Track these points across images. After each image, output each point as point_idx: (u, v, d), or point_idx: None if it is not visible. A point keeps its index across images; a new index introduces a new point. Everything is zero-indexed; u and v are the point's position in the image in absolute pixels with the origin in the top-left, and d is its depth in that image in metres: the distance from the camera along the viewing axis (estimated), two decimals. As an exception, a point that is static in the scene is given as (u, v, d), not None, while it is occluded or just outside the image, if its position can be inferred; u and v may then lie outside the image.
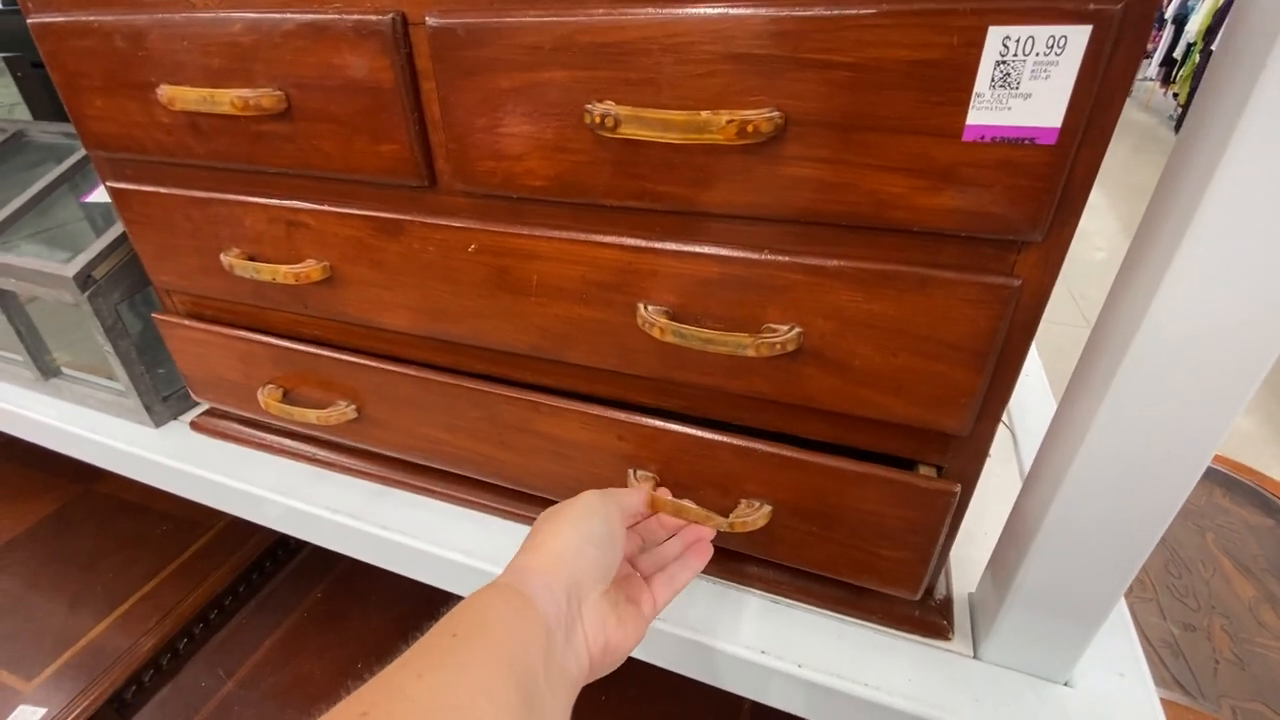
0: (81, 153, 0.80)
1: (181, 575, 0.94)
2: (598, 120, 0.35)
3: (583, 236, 0.42)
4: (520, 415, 0.50)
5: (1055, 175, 0.30)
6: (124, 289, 0.67)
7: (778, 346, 0.38)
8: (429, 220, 0.46)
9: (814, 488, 0.43)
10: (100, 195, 0.76)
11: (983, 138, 0.31)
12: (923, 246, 0.35)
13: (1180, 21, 4.66)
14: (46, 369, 0.78)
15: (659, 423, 0.46)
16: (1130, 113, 5.45)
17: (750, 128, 0.32)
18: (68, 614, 0.89)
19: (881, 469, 0.41)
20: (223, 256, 0.53)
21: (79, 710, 0.78)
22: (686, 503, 0.45)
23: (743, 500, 0.46)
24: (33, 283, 0.67)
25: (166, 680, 0.83)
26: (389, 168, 0.44)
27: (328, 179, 0.48)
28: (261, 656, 0.85)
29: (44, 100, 1.07)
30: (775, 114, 0.32)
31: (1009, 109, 0.30)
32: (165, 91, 0.46)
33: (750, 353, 0.38)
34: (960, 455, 0.41)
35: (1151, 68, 5.26)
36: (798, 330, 0.38)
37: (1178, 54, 4.65)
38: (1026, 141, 0.30)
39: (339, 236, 0.49)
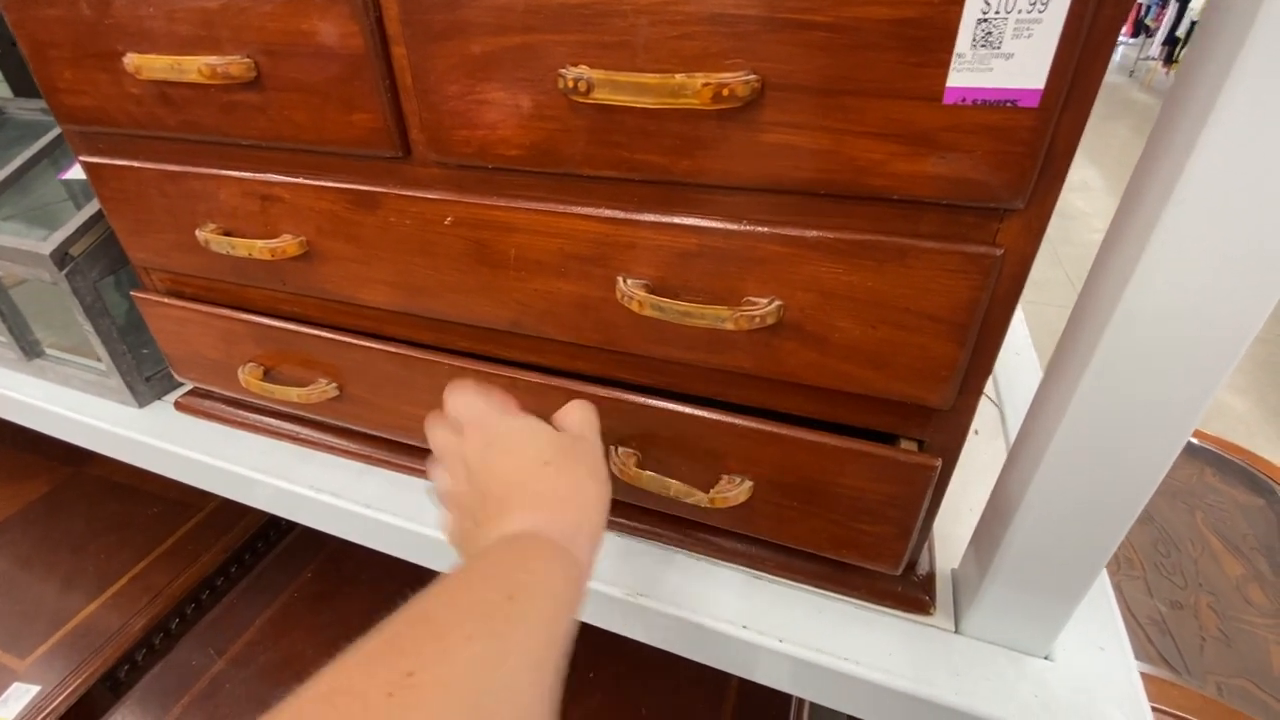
0: (59, 129, 0.78)
1: (172, 556, 0.94)
2: (570, 85, 0.34)
3: (560, 208, 0.41)
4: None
5: (1038, 140, 0.30)
6: (102, 266, 0.66)
7: (757, 319, 0.38)
8: (404, 192, 0.45)
9: (794, 462, 0.43)
10: (79, 172, 0.74)
11: (964, 100, 0.30)
12: (903, 215, 0.34)
13: (1184, -1, 4.60)
14: (30, 349, 0.78)
15: (638, 398, 0.45)
16: (1131, 93, 5.39)
17: (726, 91, 0.31)
18: (60, 594, 0.90)
19: (861, 444, 0.41)
20: (198, 232, 0.52)
21: (72, 688, 0.78)
22: (668, 479, 0.45)
23: (724, 476, 0.45)
24: (10, 261, 0.66)
25: (159, 659, 0.83)
26: (362, 138, 0.43)
27: (301, 150, 0.47)
28: (253, 635, 0.85)
29: (24, 77, 1.05)
30: (752, 77, 0.32)
31: (990, 70, 0.29)
32: (132, 60, 0.44)
33: (729, 326, 0.38)
34: (942, 429, 0.41)
35: (1154, 47, 5.20)
36: (777, 303, 0.38)
37: (1181, 32, 4.59)
38: (1008, 104, 0.29)
39: (314, 210, 0.48)
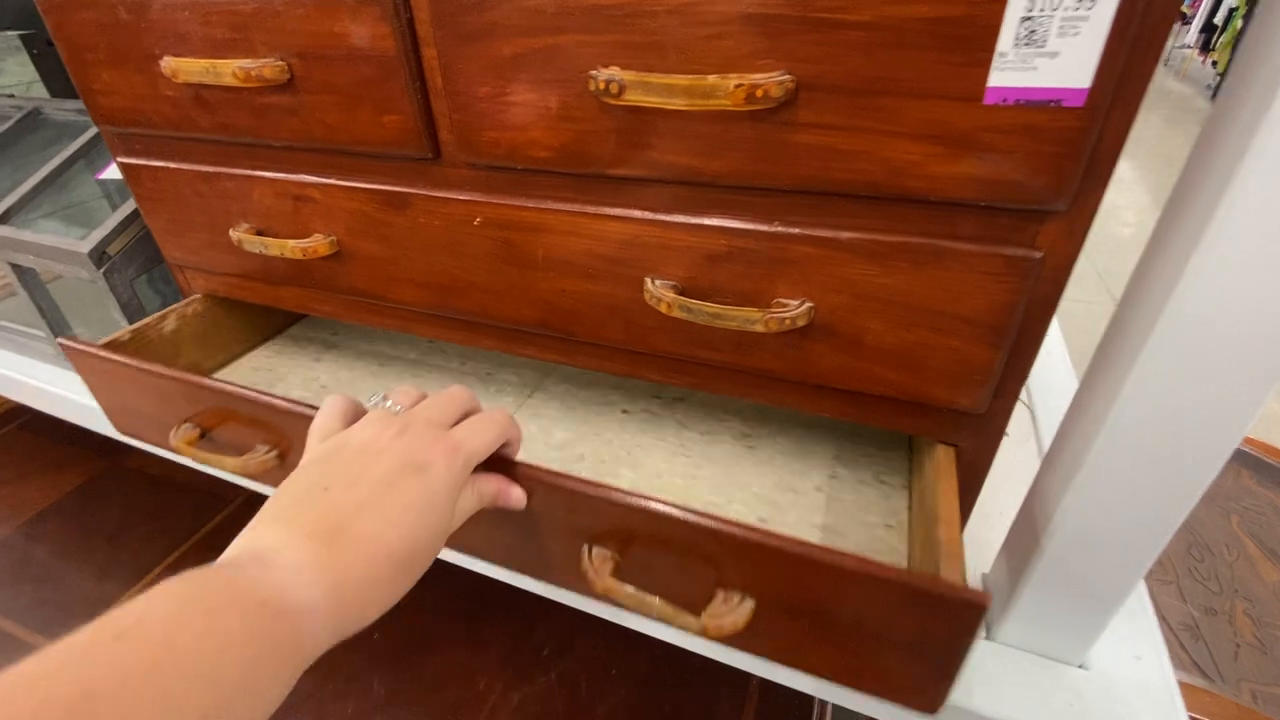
0: (96, 129, 0.80)
1: (204, 547, 0.96)
2: (602, 87, 0.34)
3: (589, 209, 0.41)
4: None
5: (1082, 140, 0.29)
6: (138, 265, 0.67)
7: (787, 321, 0.37)
8: (434, 193, 0.45)
9: (804, 582, 0.34)
10: (114, 172, 0.76)
11: (1005, 100, 0.29)
12: (939, 217, 0.34)
13: (1223, -15, 4.45)
14: (68, 345, 0.80)
15: (622, 496, 0.36)
16: (1165, 81, 5.24)
17: (760, 92, 0.31)
18: (96, 583, 0.92)
19: (890, 570, 0.31)
20: (232, 232, 0.53)
21: (109, 674, 0.80)
22: (649, 597, 0.36)
23: (719, 591, 0.36)
24: (50, 259, 0.67)
25: (191, 647, 0.85)
26: (393, 139, 0.43)
27: (332, 152, 0.47)
28: (281, 626, 0.87)
29: (60, 77, 1.08)
30: (785, 78, 0.31)
31: (1034, 69, 0.28)
32: (169, 63, 0.45)
33: (759, 328, 0.38)
34: (976, 433, 0.40)
35: (1190, 34, 5.04)
36: (808, 305, 0.37)
37: (1218, 19, 4.45)
38: (1052, 104, 0.28)
39: (345, 210, 0.49)
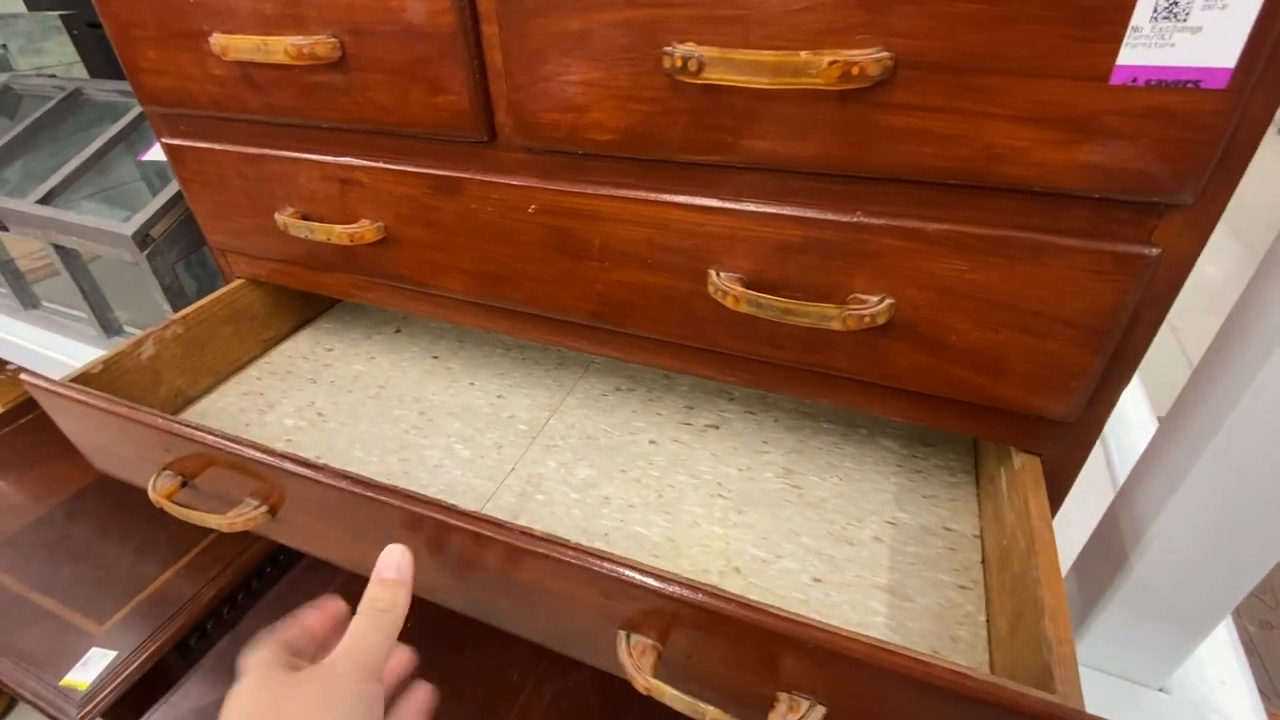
0: (137, 110, 0.80)
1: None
2: (679, 64, 0.31)
3: (651, 196, 0.39)
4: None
5: (1220, 126, 0.26)
6: (180, 248, 0.67)
7: (866, 319, 0.35)
8: (487, 178, 0.43)
9: (886, 692, 0.28)
10: (156, 153, 0.76)
11: (1135, 80, 0.26)
12: (1043, 209, 0.31)
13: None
14: (110, 326, 0.80)
15: (657, 585, 0.30)
16: None
17: (856, 70, 0.28)
18: (135, 562, 0.93)
19: (988, 685, 0.26)
20: (277, 216, 0.52)
21: (147, 654, 0.81)
22: (702, 705, 0.31)
23: (781, 695, 0.31)
24: (93, 240, 0.67)
25: (227, 630, 0.86)
26: (446, 121, 0.42)
27: (383, 134, 0.46)
28: (315, 611, 0.87)
29: (100, 58, 1.08)
30: (884, 55, 0.29)
31: (1172, 46, 0.25)
32: (218, 40, 0.44)
33: (835, 325, 0.35)
34: (1063, 442, 0.37)
35: None
36: (889, 301, 0.35)
37: None
38: (1190, 85, 0.26)
39: (394, 195, 0.47)
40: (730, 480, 0.49)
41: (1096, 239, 0.30)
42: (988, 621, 0.38)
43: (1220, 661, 0.43)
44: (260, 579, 0.95)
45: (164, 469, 0.45)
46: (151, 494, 0.45)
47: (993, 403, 0.37)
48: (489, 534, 0.33)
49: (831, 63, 0.29)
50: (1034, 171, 0.29)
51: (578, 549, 0.32)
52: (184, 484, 0.46)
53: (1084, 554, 0.44)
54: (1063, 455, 0.38)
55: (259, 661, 0.30)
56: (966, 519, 0.45)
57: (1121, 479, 0.59)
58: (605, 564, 0.31)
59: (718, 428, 0.54)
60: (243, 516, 0.42)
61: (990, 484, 0.44)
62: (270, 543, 0.96)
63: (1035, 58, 0.27)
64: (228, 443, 0.40)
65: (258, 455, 0.39)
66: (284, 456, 0.38)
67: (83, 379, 0.50)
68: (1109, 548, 0.40)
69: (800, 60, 0.29)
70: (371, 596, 0.31)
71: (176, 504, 0.45)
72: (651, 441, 0.52)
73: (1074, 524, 0.47)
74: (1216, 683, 0.42)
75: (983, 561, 0.41)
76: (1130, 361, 0.33)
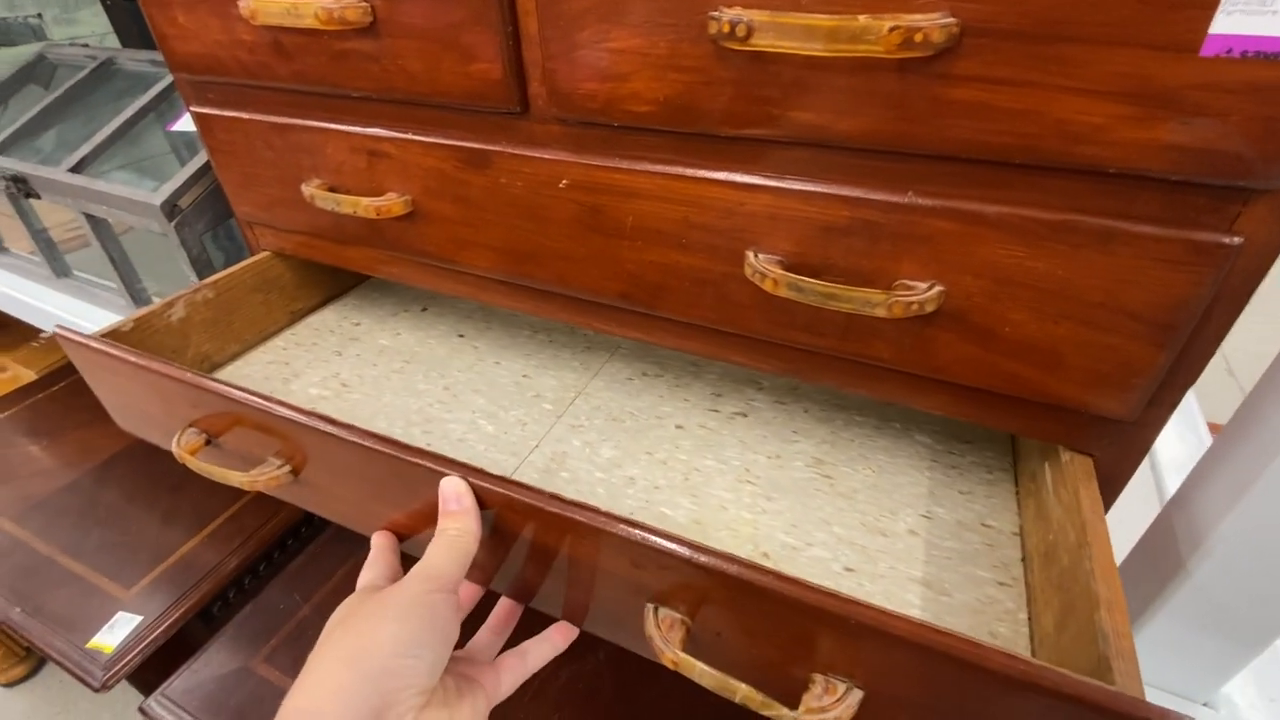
0: (167, 81, 0.79)
1: (262, 500, 0.98)
2: (725, 29, 0.30)
3: (689, 172, 0.37)
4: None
5: (1324, 102, 0.24)
6: (208, 219, 0.66)
7: (914, 306, 0.33)
8: (518, 151, 0.42)
9: (937, 673, 0.27)
10: (185, 124, 0.75)
11: (1229, 52, 0.24)
12: (1113, 192, 0.29)
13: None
14: (139, 297, 0.80)
15: (686, 552, 0.29)
16: None
17: (919, 37, 0.26)
18: (160, 529, 0.95)
19: (1046, 671, 0.24)
20: (304, 187, 0.51)
21: (172, 619, 0.83)
22: (734, 682, 0.31)
23: (816, 676, 0.30)
24: (123, 210, 0.67)
25: (248, 599, 0.87)
26: (478, 91, 0.40)
27: (412, 103, 0.44)
28: (336, 584, 0.88)
29: (132, 29, 1.08)
30: (950, 20, 0.27)
31: (1274, 13, 0.23)
32: (247, 4, 0.43)
33: (880, 312, 0.33)
34: (1118, 443, 0.35)
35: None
36: (939, 288, 0.33)
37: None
38: (1294, 55, 0.23)
39: (422, 168, 0.46)
40: (759, 467, 0.47)
41: (1171, 226, 0.28)
42: (1030, 620, 0.36)
43: (1272, 678, 0.41)
44: (282, 550, 0.96)
45: (189, 426, 0.45)
46: (175, 449, 0.45)
47: (1045, 399, 0.35)
48: (519, 497, 0.33)
49: (892, 28, 0.27)
50: (1109, 151, 0.27)
51: (609, 515, 0.31)
52: (208, 442, 0.46)
53: (1129, 560, 0.42)
54: (1117, 456, 0.36)
55: (358, 586, 0.36)
56: (1005, 516, 0.43)
57: (1167, 483, 0.57)
58: (637, 531, 0.30)
59: (746, 415, 0.52)
60: (265, 475, 0.42)
61: (1031, 481, 0.42)
62: (292, 516, 0.97)
63: (1116, 24, 0.25)
64: (257, 399, 0.40)
65: (287, 413, 0.39)
66: (314, 415, 0.38)
67: (113, 335, 0.51)
68: (1161, 554, 0.38)
69: (858, 25, 0.27)
70: (441, 528, 0.34)
71: (200, 461, 0.45)
72: (678, 426, 0.51)
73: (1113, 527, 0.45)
74: (1267, 700, 0.40)
75: (1023, 559, 0.40)
76: (1199, 360, 0.31)
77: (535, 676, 0.39)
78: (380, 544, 0.40)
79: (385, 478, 0.37)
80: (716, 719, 0.70)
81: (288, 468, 0.42)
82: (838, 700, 0.28)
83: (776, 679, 0.30)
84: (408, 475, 0.36)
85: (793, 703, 0.29)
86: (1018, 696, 0.25)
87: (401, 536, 0.41)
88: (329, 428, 0.37)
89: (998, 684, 0.25)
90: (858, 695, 0.29)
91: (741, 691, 0.30)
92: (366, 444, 0.36)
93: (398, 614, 0.30)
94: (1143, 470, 0.55)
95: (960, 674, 0.25)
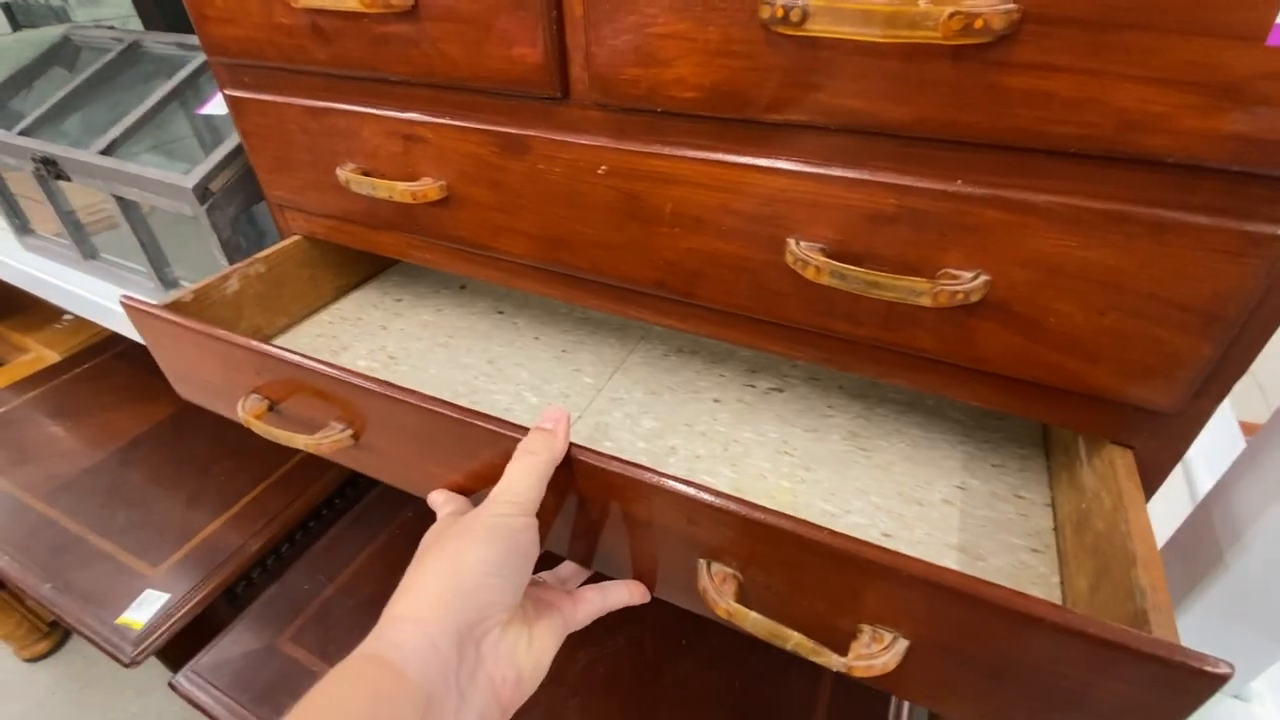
0: (197, 63, 0.80)
1: (286, 483, 0.99)
2: (779, 13, 0.29)
3: (731, 159, 0.37)
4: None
5: (1396, 91, 0.23)
6: (238, 203, 0.67)
7: (959, 296, 0.33)
8: (557, 137, 0.42)
9: (978, 625, 0.28)
10: (214, 108, 0.76)
11: (1299, 39, 0.24)
12: (1169, 182, 0.29)
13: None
14: (166, 280, 0.81)
15: (731, 505, 0.32)
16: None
17: (980, 23, 0.26)
18: (186, 510, 0.96)
19: (1093, 622, 0.25)
20: (338, 171, 0.51)
21: (198, 599, 0.84)
22: (785, 630, 0.32)
23: (864, 626, 0.31)
24: (154, 193, 0.68)
25: (272, 580, 0.88)
26: (518, 76, 0.40)
27: (450, 88, 0.44)
28: (360, 566, 0.89)
29: (154, 11, 1.08)
30: (1010, 6, 0.26)
31: (1348, -1, 0.23)
32: (287, -13, 0.43)
33: (925, 301, 0.33)
34: (1160, 436, 0.35)
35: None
36: (984, 278, 0.33)
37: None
38: (1367, 44, 0.23)
39: (458, 153, 0.46)
40: (796, 439, 0.49)
41: (1229, 217, 0.28)
42: (1061, 583, 0.37)
43: (1304, 672, 0.41)
44: (304, 532, 0.98)
45: (252, 392, 0.48)
46: (240, 414, 0.48)
47: (1087, 390, 0.35)
48: (580, 457, 0.35)
49: (952, 14, 0.26)
50: (1170, 140, 0.27)
51: (668, 475, 0.33)
52: (270, 408, 0.48)
53: (1168, 545, 0.42)
54: (1159, 449, 0.36)
55: (440, 516, 0.38)
56: (1037, 488, 0.44)
57: (1200, 476, 0.57)
58: (693, 489, 0.32)
59: (782, 391, 0.54)
60: (329, 439, 0.45)
61: (1064, 455, 0.43)
62: (313, 498, 0.98)
63: (1182, 12, 0.25)
64: (324, 366, 0.42)
65: (352, 379, 0.41)
66: (376, 381, 0.40)
67: (174, 306, 0.52)
68: (1199, 544, 0.38)
69: (917, 10, 0.27)
70: (525, 442, 0.35)
71: (266, 425, 0.47)
72: (715, 400, 0.53)
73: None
74: (1299, 693, 0.40)
75: (1055, 529, 0.41)
76: (1248, 352, 0.31)
77: (554, 660, 0.40)
78: (441, 498, 0.42)
79: (447, 441, 0.40)
80: (732, 703, 0.71)
81: (349, 431, 0.45)
82: (885, 648, 0.30)
83: (823, 630, 0.32)
84: (470, 437, 0.38)
85: (841, 650, 0.31)
86: (1060, 646, 0.26)
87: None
88: (393, 393, 0.39)
89: (1039, 633, 0.26)
90: (904, 644, 0.30)
91: (794, 639, 0.32)
92: (434, 409, 0.38)
93: (484, 537, 0.32)
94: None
95: (1004, 624, 0.27)
